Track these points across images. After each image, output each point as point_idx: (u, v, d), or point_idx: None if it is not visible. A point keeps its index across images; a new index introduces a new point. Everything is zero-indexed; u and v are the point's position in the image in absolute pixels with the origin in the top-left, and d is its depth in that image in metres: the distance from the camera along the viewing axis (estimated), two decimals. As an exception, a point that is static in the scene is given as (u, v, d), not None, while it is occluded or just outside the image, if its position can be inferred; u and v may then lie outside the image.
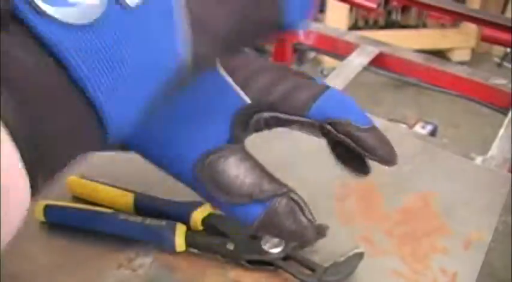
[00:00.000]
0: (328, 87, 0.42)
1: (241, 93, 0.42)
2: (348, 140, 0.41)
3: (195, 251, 0.51)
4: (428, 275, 0.51)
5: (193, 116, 0.40)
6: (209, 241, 0.50)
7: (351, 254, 0.48)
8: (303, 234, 0.40)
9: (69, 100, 0.25)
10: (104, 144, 0.28)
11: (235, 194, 0.39)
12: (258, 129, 0.43)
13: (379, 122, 0.71)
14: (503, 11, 2.56)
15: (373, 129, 0.41)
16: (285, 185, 0.40)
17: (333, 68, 0.86)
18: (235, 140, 0.40)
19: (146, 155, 0.42)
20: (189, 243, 0.50)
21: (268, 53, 1.53)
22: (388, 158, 0.42)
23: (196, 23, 0.28)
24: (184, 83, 0.30)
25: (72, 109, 0.25)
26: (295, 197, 0.40)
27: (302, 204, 0.40)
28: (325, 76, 0.94)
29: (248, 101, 0.42)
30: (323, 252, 0.51)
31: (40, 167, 0.24)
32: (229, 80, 0.42)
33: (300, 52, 1.54)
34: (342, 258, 0.48)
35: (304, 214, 0.40)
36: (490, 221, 0.58)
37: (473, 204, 0.60)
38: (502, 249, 1.69)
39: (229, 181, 0.39)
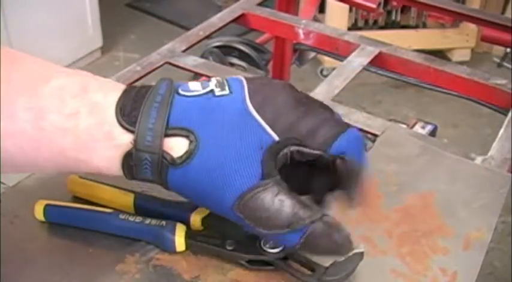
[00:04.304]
0: (348, 125, 0.46)
1: (270, 131, 0.44)
2: (347, 175, 0.45)
3: (195, 251, 0.51)
4: (428, 275, 0.51)
5: (226, 163, 0.43)
6: (209, 241, 0.50)
7: (350, 254, 0.48)
8: (338, 251, 0.46)
9: None
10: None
11: (275, 226, 0.43)
12: (285, 163, 0.45)
13: (379, 122, 0.71)
14: (503, 11, 2.56)
15: (363, 168, 0.46)
16: (319, 209, 0.45)
17: (333, 68, 0.86)
18: (267, 176, 0.43)
19: (187, 198, 0.47)
20: (189, 243, 0.51)
21: (269, 53, 1.53)
22: (353, 197, 0.47)
23: None
24: None
25: None
26: (329, 219, 0.44)
27: (335, 223, 0.44)
28: (325, 76, 0.94)
29: (276, 137, 0.44)
30: (323, 252, 0.51)
31: None
32: (259, 118, 0.44)
33: (300, 52, 1.54)
34: (342, 258, 0.48)
35: (338, 231, 0.44)
36: (490, 221, 0.58)
37: (473, 204, 0.60)
38: (502, 249, 1.69)
39: (267, 215, 0.43)
